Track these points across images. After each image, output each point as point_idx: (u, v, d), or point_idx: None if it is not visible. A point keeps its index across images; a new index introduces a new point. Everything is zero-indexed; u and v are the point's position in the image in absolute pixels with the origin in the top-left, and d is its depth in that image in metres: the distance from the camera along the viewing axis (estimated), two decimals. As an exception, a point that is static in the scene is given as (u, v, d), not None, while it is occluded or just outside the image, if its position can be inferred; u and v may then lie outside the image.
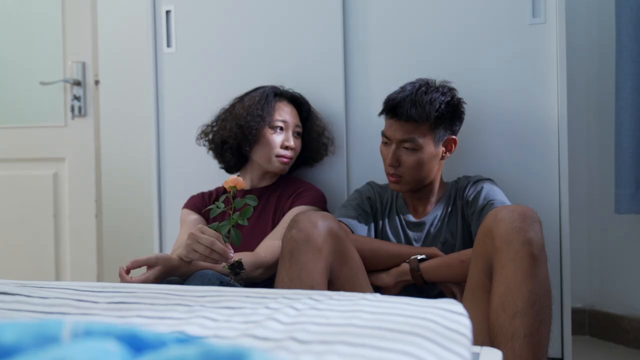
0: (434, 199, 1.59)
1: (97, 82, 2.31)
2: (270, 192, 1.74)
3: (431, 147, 1.50)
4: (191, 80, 1.95)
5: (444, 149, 1.54)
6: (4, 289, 1.01)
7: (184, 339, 0.55)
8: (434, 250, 1.49)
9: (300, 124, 1.74)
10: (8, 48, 2.46)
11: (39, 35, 2.41)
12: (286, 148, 1.69)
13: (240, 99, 1.74)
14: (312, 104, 1.80)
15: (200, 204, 1.74)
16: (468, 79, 1.71)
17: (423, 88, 1.51)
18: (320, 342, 0.68)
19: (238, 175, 1.80)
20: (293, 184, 1.75)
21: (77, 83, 2.29)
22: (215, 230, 1.33)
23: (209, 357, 0.47)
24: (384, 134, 1.54)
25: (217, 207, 1.34)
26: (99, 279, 2.31)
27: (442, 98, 1.50)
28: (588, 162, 2.14)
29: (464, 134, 1.71)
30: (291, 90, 1.77)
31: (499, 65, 1.70)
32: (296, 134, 1.73)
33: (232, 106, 1.74)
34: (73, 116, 2.30)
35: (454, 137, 1.55)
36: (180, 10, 1.95)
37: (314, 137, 1.77)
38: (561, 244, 1.63)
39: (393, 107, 1.50)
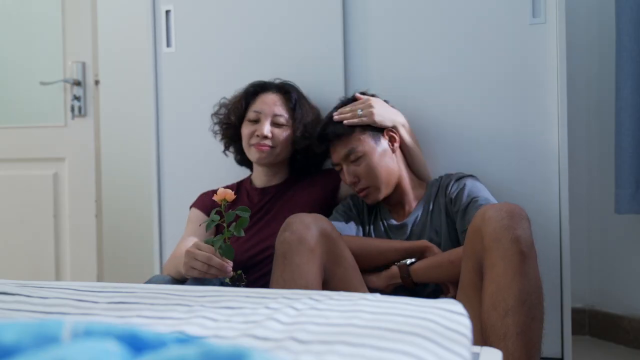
0: (410, 198, 1.60)
1: (97, 82, 2.31)
2: (284, 189, 1.74)
3: (373, 146, 1.56)
4: (191, 80, 1.95)
5: (388, 143, 1.59)
6: (4, 289, 1.01)
7: (184, 339, 0.55)
8: (424, 243, 1.49)
9: (284, 114, 1.69)
10: (8, 48, 2.46)
11: (39, 35, 2.41)
12: (257, 136, 1.67)
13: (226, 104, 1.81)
14: (313, 103, 1.80)
15: (210, 204, 1.73)
16: (468, 79, 1.71)
17: (334, 109, 1.62)
18: (320, 342, 0.68)
19: (250, 175, 1.82)
20: (304, 178, 1.77)
21: (77, 83, 2.29)
22: (210, 244, 1.33)
23: (209, 357, 0.47)
24: (332, 164, 1.63)
25: (213, 220, 1.34)
26: (99, 279, 2.31)
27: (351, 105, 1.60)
28: (588, 162, 2.14)
29: (464, 133, 1.71)
30: (278, 81, 1.77)
31: (499, 65, 1.70)
32: (277, 124, 1.69)
33: (226, 115, 1.79)
34: (73, 116, 2.30)
35: (388, 128, 1.59)
36: (180, 10, 1.95)
37: (308, 125, 1.71)
38: (561, 244, 1.63)
39: (321, 136, 1.61)
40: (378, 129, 1.58)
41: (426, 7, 1.75)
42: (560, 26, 1.62)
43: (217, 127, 1.79)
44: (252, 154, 1.70)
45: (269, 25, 1.87)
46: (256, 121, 1.69)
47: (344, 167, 1.57)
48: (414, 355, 0.65)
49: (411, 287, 1.47)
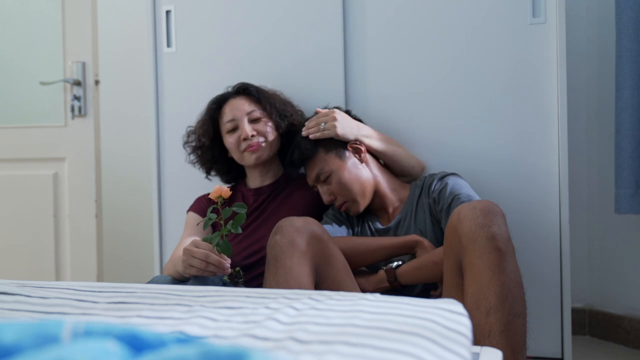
0: (392, 201, 1.62)
1: (97, 82, 2.31)
2: (278, 189, 1.75)
3: (339, 163, 1.58)
4: (191, 80, 1.95)
5: (354, 154, 1.61)
6: (4, 289, 1.01)
7: (184, 339, 0.55)
8: (414, 237, 1.49)
9: (255, 108, 1.70)
10: (8, 48, 2.47)
11: (39, 35, 2.41)
12: (244, 139, 1.68)
13: (195, 130, 1.79)
14: (313, 102, 1.80)
15: (206, 206, 1.73)
16: (467, 78, 1.71)
17: (298, 135, 1.64)
18: (320, 342, 0.67)
19: (245, 178, 1.82)
20: (298, 178, 1.77)
21: (77, 83, 2.29)
22: (208, 242, 1.34)
23: (209, 357, 0.47)
24: (311, 186, 1.67)
25: (210, 218, 1.34)
26: (99, 279, 2.31)
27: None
28: (588, 162, 2.14)
29: (463, 132, 1.71)
30: (230, 88, 1.77)
31: (499, 65, 1.70)
32: (254, 120, 1.69)
33: (198, 140, 1.77)
34: (73, 116, 2.30)
35: (352, 141, 1.61)
36: (180, 10, 1.95)
37: (279, 106, 1.73)
38: (561, 244, 1.63)
39: (290, 163, 1.65)
40: (341, 144, 1.60)
41: (426, 6, 1.75)
42: (560, 26, 1.62)
43: (193, 157, 1.79)
44: (247, 159, 1.69)
45: (269, 25, 1.88)
46: (234, 129, 1.69)
47: (319, 188, 1.61)
48: (414, 355, 0.65)
49: (399, 288, 1.48)
